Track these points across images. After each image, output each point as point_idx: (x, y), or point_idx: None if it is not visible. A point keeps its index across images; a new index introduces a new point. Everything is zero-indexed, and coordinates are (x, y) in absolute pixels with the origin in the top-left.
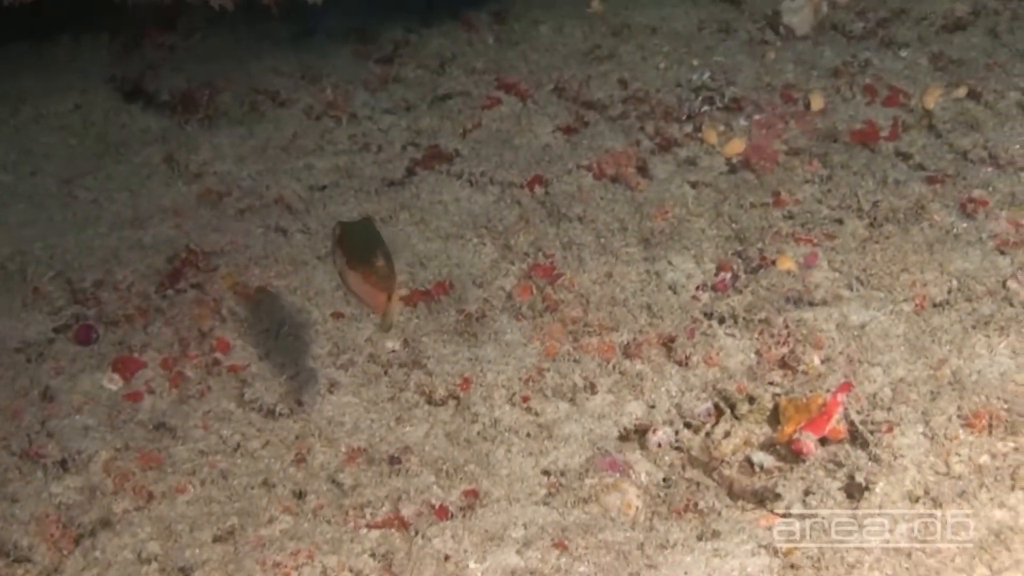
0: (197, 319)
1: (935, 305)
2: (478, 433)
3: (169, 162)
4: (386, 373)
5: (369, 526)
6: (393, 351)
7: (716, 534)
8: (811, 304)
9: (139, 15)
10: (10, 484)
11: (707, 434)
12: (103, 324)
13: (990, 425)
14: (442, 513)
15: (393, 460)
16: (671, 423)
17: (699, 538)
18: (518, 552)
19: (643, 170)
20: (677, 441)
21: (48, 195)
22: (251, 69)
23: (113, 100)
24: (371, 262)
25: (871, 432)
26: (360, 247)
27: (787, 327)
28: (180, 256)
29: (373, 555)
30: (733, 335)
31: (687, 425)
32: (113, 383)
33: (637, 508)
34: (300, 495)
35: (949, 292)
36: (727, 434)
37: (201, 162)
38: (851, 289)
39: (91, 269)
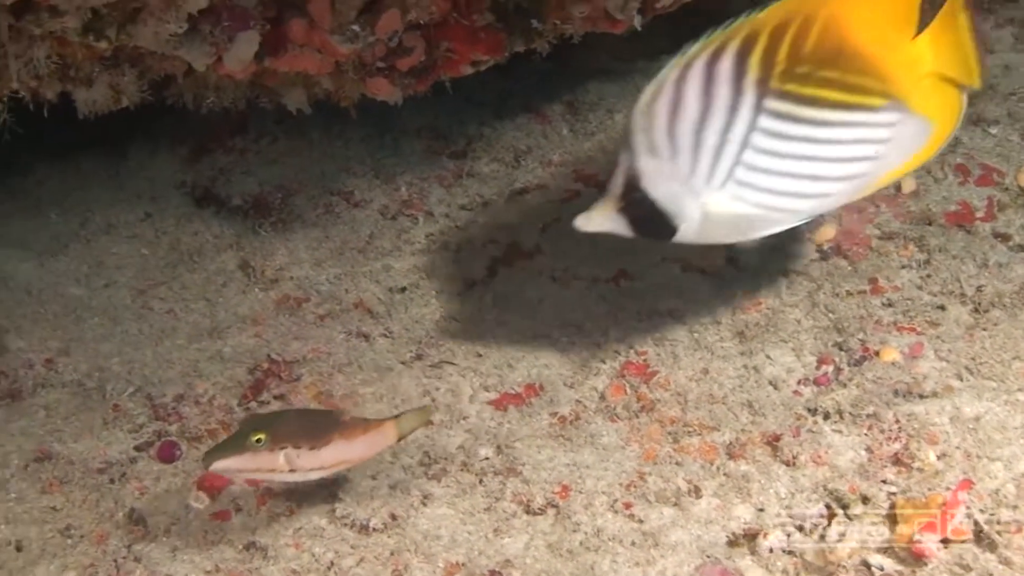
0: None
1: None
2: (580, 543)
3: (244, 268)
4: (481, 482)
5: None
6: (487, 458)
7: None
8: (921, 397)
9: (209, 120)
10: None
11: (821, 537)
12: (186, 440)
13: None
14: None
15: (494, 574)
16: (782, 526)
17: None
18: None
19: (732, 260)
20: (789, 545)
21: (123, 307)
22: (324, 170)
23: (184, 207)
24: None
25: (998, 532)
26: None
27: (897, 422)
28: (262, 367)
29: None
30: (840, 431)
31: (799, 528)
32: (199, 502)
33: None
34: None
35: None
36: (842, 537)
37: (277, 267)
38: (961, 379)
39: (171, 383)
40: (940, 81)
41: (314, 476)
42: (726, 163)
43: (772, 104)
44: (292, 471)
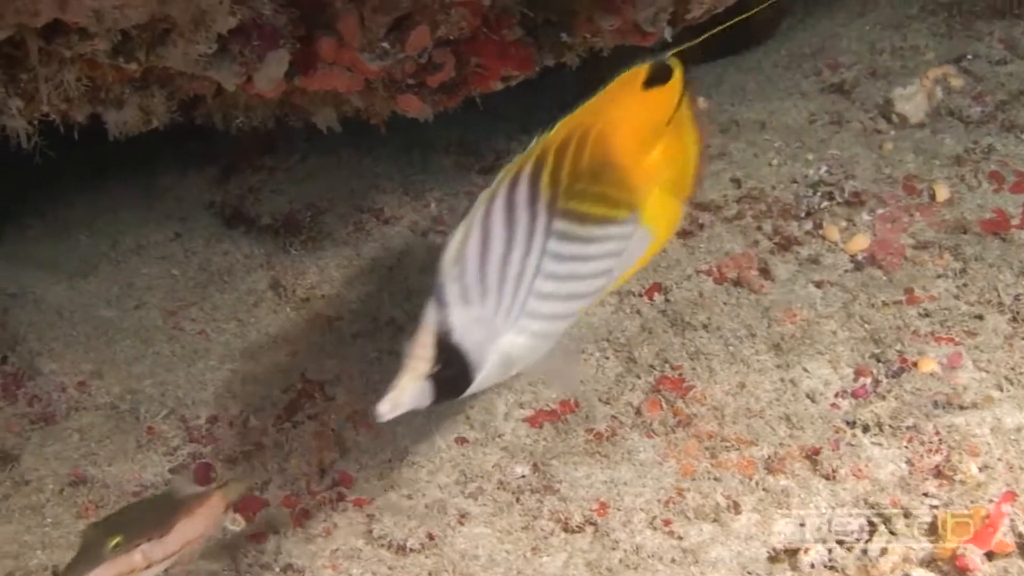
0: (317, 452)
1: None
2: (620, 561)
3: (275, 288)
4: (518, 500)
5: None
6: (523, 476)
7: None
8: (961, 408)
9: (238, 139)
10: None
11: (863, 552)
12: (221, 462)
13: None
14: None
15: None
16: (823, 541)
17: None
18: None
19: (765, 272)
20: (831, 561)
21: (154, 329)
22: (353, 187)
23: (214, 227)
24: None
25: None
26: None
27: (938, 434)
28: (296, 386)
29: None
30: (880, 444)
31: (840, 543)
32: (236, 524)
33: None
34: None
35: None
36: (884, 551)
37: (308, 286)
38: (1001, 390)
39: (204, 405)
40: (664, 192)
41: (167, 564)
42: (522, 295)
43: (558, 225)
44: (149, 567)
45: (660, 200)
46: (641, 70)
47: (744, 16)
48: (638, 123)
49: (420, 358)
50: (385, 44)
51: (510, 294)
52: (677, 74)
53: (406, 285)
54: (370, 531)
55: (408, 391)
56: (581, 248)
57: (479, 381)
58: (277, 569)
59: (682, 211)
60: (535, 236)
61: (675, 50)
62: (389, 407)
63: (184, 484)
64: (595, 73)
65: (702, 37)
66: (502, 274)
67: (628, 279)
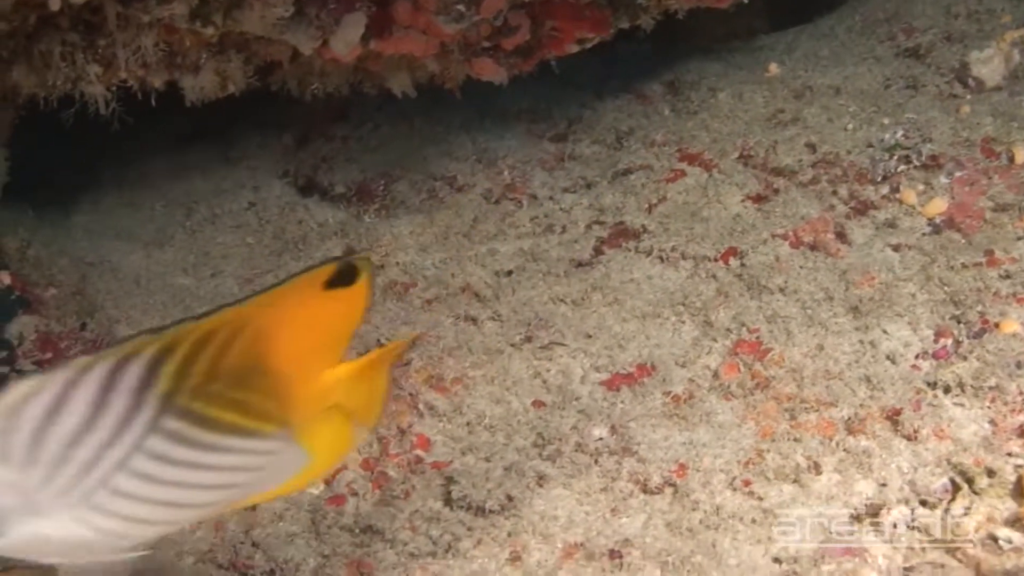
0: (395, 416)
1: None
2: (700, 521)
3: (350, 255)
4: (596, 462)
5: None
6: (600, 439)
7: None
8: None
9: (311, 108)
10: None
11: (945, 511)
12: None
13: None
14: None
15: (614, 554)
16: (905, 501)
17: None
18: None
19: (841, 236)
20: (913, 521)
21: (231, 296)
22: (426, 155)
23: (288, 196)
24: None
25: None
26: None
27: (1021, 393)
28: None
29: None
30: (963, 405)
31: (923, 503)
32: (315, 487)
33: None
34: None
35: None
36: (967, 511)
37: (383, 253)
38: None
39: None
40: (337, 416)
41: None
42: (91, 485)
43: (170, 424)
44: None
45: (332, 422)
46: (325, 269)
47: None
48: (312, 328)
49: None
50: (460, 7)
51: (71, 478)
52: (364, 276)
53: (480, 251)
54: (449, 493)
55: None
56: (198, 455)
57: (13, 550)
58: (357, 531)
59: (358, 439)
60: (130, 427)
61: None
62: None
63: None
64: (670, 42)
65: None
66: (65, 453)
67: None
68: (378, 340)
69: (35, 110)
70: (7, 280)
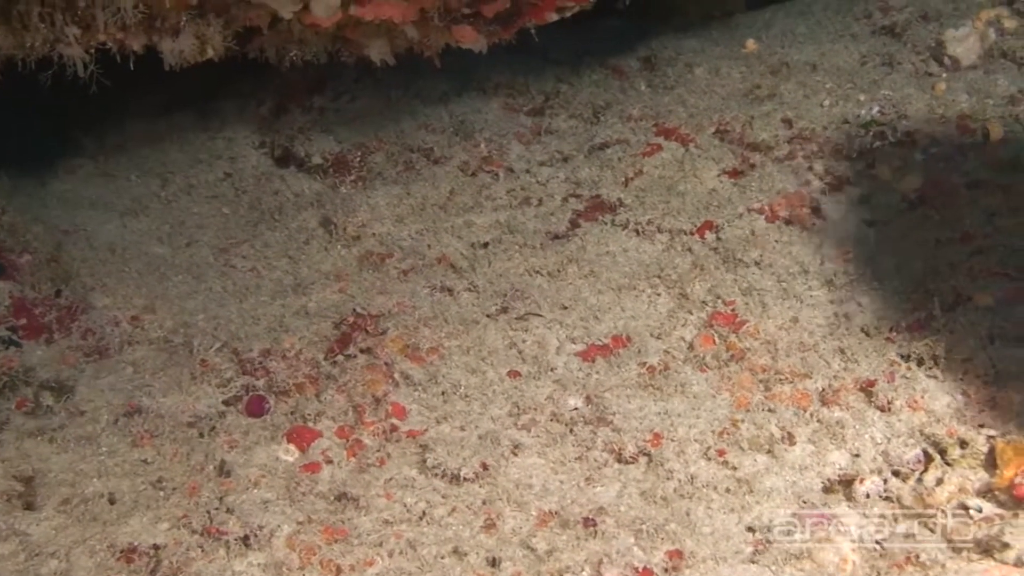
0: (370, 385)
1: None
2: (674, 490)
3: (326, 226)
4: (571, 432)
5: None
6: (576, 408)
7: None
8: (1018, 340)
9: (288, 79)
10: (193, 563)
11: (918, 481)
12: (273, 394)
13: None
14: None
15: (588, 522)
16: (878, 472)
17: None
18: None
19: (817, 211)
20: (886, 491)
21: (206, 265)
22: (403, 127)
23: (264, 166)
24: None
25: None
26: None
27: (993, 367)
28: (348, 321)
29: None
30: (935, 377)
31: (895, 474)
32: (289, 454)
33: (855, 563)
34: (494, 562)
35: None
36: (939, 481)
37: (359, 224)
38: None
39: (257, 338)
40: None
41: None
42: None
43: None
44: None
45: None
46: None
47: None
48: None
49: None
50: None
51: None
52: None
53: (456, 223)
54: (424, 461)
55: None
56: None
57: None
58: (331, 498)
59: None
60: None
61: None
62: None
63: None
64: (645, 21)
65: None
66: None
67: None
68: (354, 310)
69: (11, 74)
70: None
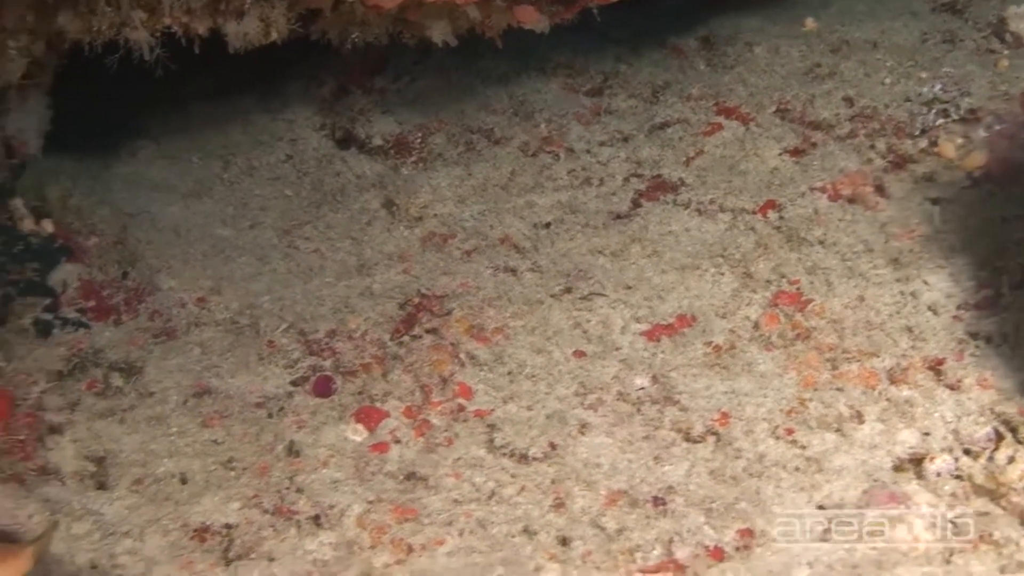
0: (436, 365)
1: None
2: (743, 469)
3: (388, 207)
4: (638, 411)
5: (643, 571)
6: (642, 388)
7: (1021, 566)
8: None
9: (348, 61)
10: (265, 542)
11: (989, 460)
12: (340, 375)
13: None
14: (718, 555)
15: (657, 501)
16: (949, 450)
17: (1001, 571)
18: None
19: (880, 189)
20: (957, 469)
21: (269, 247)
22: (463, 108)
23: (325, 148)
24: None
25: None
26: None
27: None
28: (412, 302)
29: None
30: (1005, 355)
31: (966, 452)
32: (357, 435)
33: (927, 541)
34: (564, 541)
35: None
36: (1011, 460)
37: (421, 205)
38: None
39: (323, 319)
40: None
41: None
42: None
43: None
44: None
45: None
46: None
47: None
48: None
49: None
50: None
51: None
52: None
53: (518, 203)
54: (491, 441)
55: None
56: None
57: None
58: (400, 478)
59: None
60: None
61: None
62: None
63: None
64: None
65: None
66: None
67: None
68: (418, 290)
69: (77, 59)
70: (50, 228)
